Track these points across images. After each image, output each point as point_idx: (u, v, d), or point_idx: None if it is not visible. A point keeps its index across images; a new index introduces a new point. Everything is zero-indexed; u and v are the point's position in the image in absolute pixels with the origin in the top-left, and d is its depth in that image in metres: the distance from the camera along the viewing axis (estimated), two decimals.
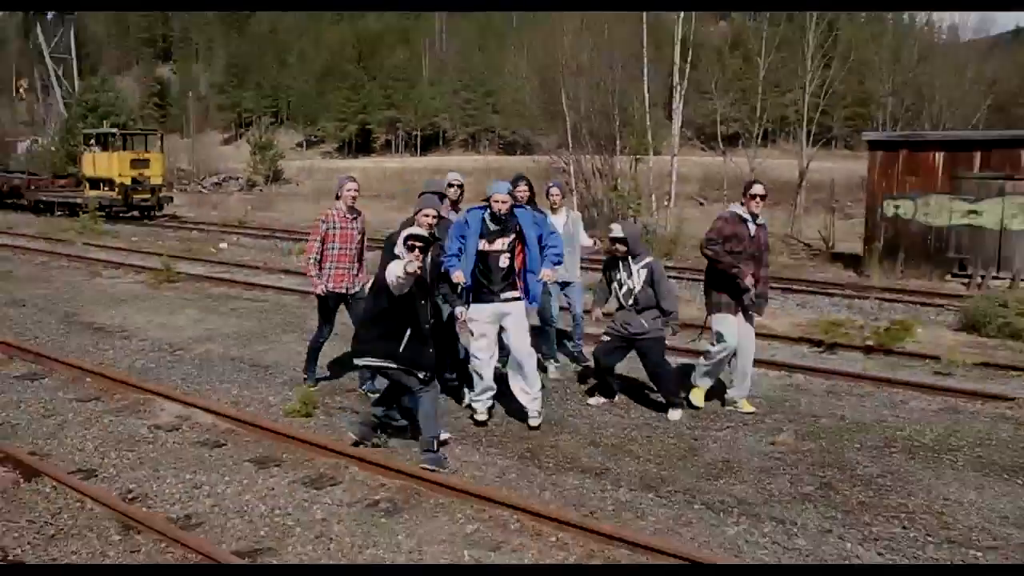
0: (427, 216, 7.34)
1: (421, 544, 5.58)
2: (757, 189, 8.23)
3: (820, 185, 34.62)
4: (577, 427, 7.97)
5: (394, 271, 6.55)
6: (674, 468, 6.98)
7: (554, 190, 9.85)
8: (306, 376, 9.19)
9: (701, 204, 39.38)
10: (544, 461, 7.09)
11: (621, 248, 8.14)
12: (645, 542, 5.48)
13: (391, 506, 6.17)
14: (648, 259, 8.17)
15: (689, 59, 27.65)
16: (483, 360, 7.79)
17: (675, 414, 8.22)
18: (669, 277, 8.91)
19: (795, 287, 17.36)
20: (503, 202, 7.54)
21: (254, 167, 62.98)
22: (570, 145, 28.24)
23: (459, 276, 7.52)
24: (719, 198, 32.48)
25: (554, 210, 9.66)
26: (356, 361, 7.16)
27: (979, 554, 5.54)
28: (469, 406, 8.11)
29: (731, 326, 8.18)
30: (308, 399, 8.31)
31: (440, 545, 5.57)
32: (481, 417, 7.93)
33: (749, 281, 8.07)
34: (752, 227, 8.21)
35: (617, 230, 8.27)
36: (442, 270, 7.72)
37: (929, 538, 5.77)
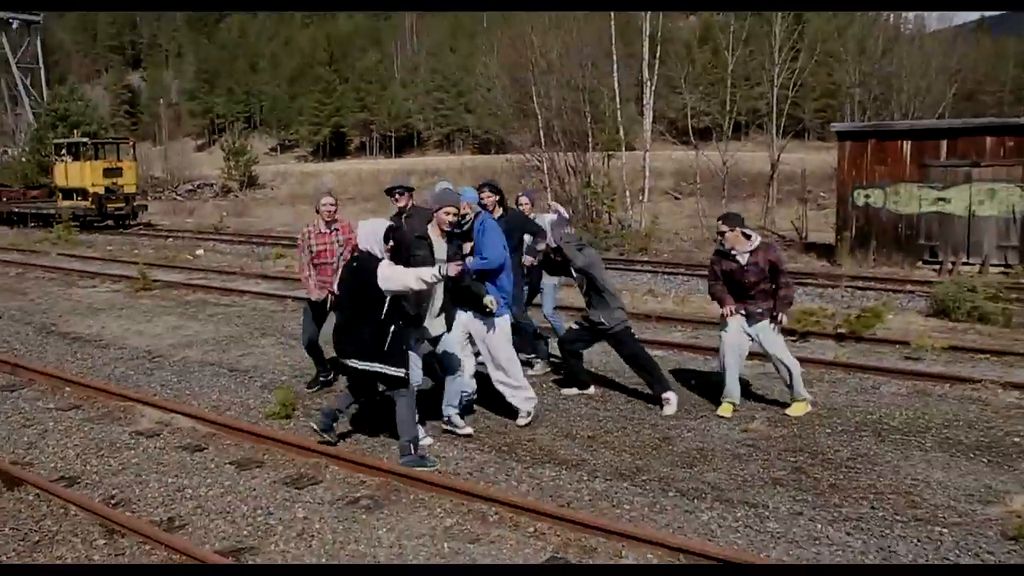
0: (448, 214, 7.27)
1: (401, 539, 5.68)
2: (720, 227, 8.31)
3: (793, 176, 34.96)
4: (554, 421, 8.09)
5: (406, 279, 6.66)
6: (649, 458, 7.12)
7: (523, 199, 9.99)
8: (321, 377, 9.35)
9: (676, 198, 39.71)
10: (521, 455, 7.21)
11: (558, 258, 8.52)
12: (621, 529, 5.62)
13: (371, 503, 6.27)
14: (579, 265, 8.38)
15: (658, 54, 27.79)
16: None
17: (668, 408, 8.29)
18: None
19: None
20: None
21: (228, 173, 62.89)
22: (543, 143, 28.37)
23: (491, 301, 7.44)
24: (693, 192, 32.72)
25: None
26: (343, 361, 7.05)
27: (944, 530, 5.71)
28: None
29: (727, 325, 8.29)
30: (287, 401, 8.40)
31: (420, 539, 5.68)
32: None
33: (726, 310, 8.19)
34: (743, 258, 8.18)
35: (551, 240, 8.63)
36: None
37: (897, 517, 5.93)
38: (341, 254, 8.82)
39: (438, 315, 7.34)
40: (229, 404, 8.88)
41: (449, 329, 7.40)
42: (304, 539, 5.71)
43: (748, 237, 8.17)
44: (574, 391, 8.95)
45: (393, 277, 6.69)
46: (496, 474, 6.79)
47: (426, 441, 7.43)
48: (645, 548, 5.43)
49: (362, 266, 6.81)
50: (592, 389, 9.00)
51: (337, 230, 8.93)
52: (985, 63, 72.56)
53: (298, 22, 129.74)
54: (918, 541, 5.58)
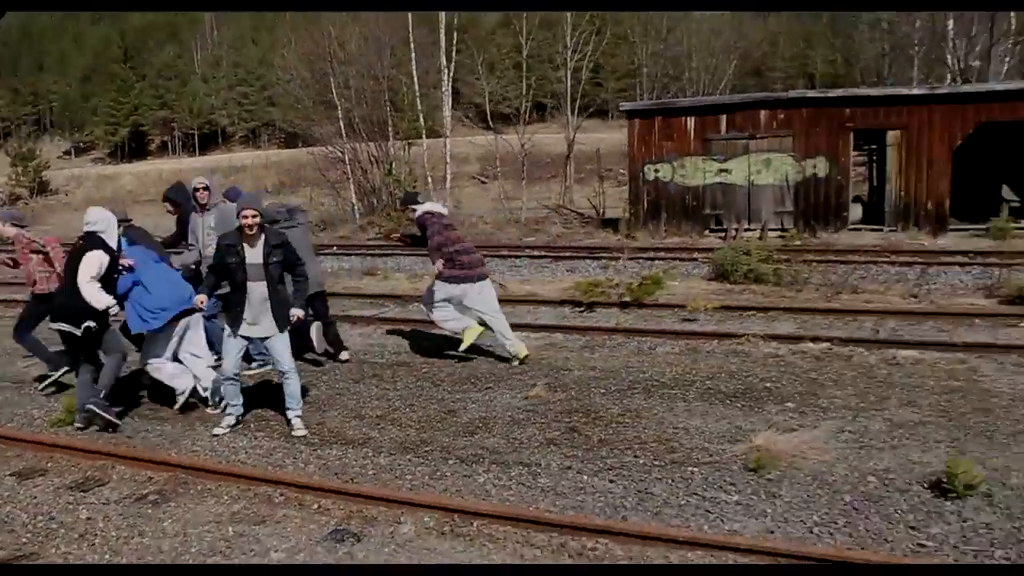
0: (246, 217, 7.17)
1: (187, 527, 5.79)
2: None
3: (594, 156, 36.16)
4: (344, 404, 8.32)
5: (84, 279, 7.53)
6: (433, 430, 7.45)
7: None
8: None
9: (483, 183, 40.29)
10: (310, 438, 7.41)
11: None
12: (400, 497, 5.93)
13: (159, 497, 6.33)
14: None
15: (455, 41, 28.20)
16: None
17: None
18: None
19: (565, 254, 18.31)
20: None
21: (16, 180, 59.40)
22: (344, 134, 28.32)
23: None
24: (498, 176, 33.40)
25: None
26: (51, 326, 7.87)
27: (695, 469, 6.30)
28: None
29: None
30: (73, 407, 8.25)
31: (206, 526, 5.80)
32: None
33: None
34: None
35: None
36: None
37: (655, 462, 6.49)
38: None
39: (271, 318, 7.41)
40: (11, 416, 8.63)
41: (282, 331, 7.47)
42: (87, 539, 5.73)
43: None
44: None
45: (83, 270, 7.54)
46: (284, 458, 6.97)
47: (227, 421, 7.66)
48: (422, 512, 5.75)
49: (84, 244, 7.63)
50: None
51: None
52: (769, 41, 76.67)
53: (87, 17, 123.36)
54: (672, 481, 6.14)
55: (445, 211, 9.65)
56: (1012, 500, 5.73)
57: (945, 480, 5.84)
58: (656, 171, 22.26)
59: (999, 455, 6.50)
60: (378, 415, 7.94)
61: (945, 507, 5.69)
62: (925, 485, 5.99)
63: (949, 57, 31.33)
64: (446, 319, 9.44)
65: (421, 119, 27.91)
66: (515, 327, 10.92)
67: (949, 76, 31.04)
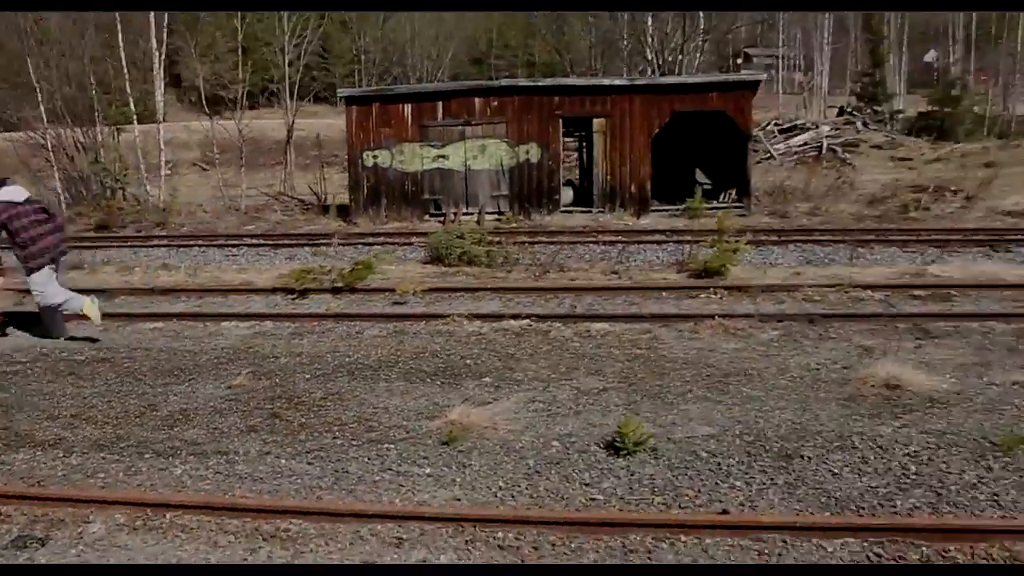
0: None
1: None
2: None
3: (322, 141, 35.82)
4: (36, 404, 7.95)
5: None
6: (131, 426, 7.31)
7: None
8: None
9: (204, 170, 38.96)
10: None
11: None
12: (88, 496, 5.81)
13: None
14: None
15: (166, 23, 27.06)
16: None
17: None
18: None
19: (284, 242, 18.18)
20: None
21: None
22: (46, 118, 26.47)
23: None
24: (223, 162, 32.40)
25: None
26: None
27: (392, 446, 6.60)
28: None
29: None
30: None
31: None
32: None
33: None
34: None
35: None
36: None
37: (353, 442, 6.73)
38: None
39: None
40: None
41: None
42: None
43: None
44: None
45: None
46: None
47: None
48: (113, 509, 5.66)
49: None
50: None
51: None
52: (487, 30, 78.72)
53: None
54: (368, 459, 6.40)
55: (21, 198, 9.68)
56: (673, 452, 6.42)
57: (618, 439, 6.45)
58: (375, 157, 22.47)
59: (667, 413, 7.24)
60: (72, 414, 7.67)
61: (617, 463, 6.28)
62: (601, 445, 6.58)
63: (648, 51, 33.59)
64: (68, 299, 9.85)
65: (131, 103, 26.56)
66: (224, 316, 10.95)
67: (650, 69, 33.26)
